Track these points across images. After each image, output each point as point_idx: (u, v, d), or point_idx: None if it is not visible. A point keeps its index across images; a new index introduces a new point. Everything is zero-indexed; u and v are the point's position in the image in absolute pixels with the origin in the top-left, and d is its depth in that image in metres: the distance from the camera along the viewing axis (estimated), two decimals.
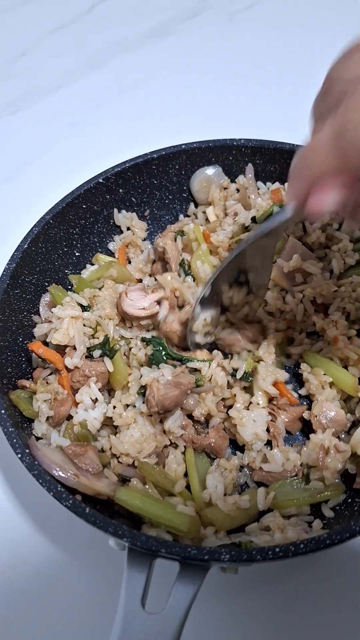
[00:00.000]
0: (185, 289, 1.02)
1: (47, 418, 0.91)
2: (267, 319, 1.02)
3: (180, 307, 1.03)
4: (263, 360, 0.97)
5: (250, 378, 0.95)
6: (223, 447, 0.93)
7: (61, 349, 0.97)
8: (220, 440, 0.92)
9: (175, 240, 1.09)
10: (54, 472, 0.81)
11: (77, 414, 0.92)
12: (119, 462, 0.90)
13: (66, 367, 0.94)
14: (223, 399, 0.97)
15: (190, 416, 0.95)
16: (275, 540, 0.78)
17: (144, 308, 1.00)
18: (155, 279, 1.08)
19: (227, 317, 1.00)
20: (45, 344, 1.00)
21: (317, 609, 0.84)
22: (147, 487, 0.85)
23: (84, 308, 1.01)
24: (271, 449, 0.91)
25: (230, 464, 0.91)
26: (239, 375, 0.95)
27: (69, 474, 0.82)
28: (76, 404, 0.93)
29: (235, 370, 0.96)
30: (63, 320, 0.96)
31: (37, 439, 0.90)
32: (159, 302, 1.02)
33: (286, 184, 1.13)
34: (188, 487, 0.89)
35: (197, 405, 0.94)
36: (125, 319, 1.02)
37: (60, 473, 0.81)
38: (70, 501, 0.75)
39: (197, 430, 0.95)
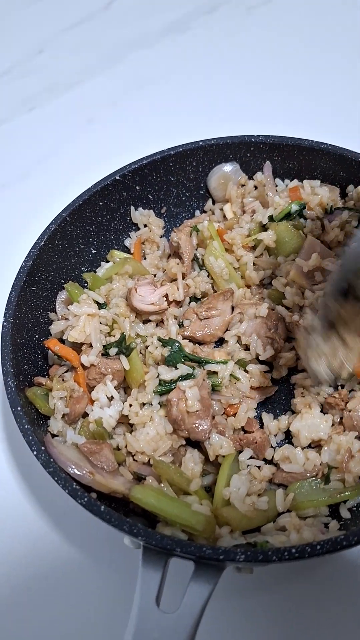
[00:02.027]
0: (191, 280, 1.04)
1: (63, 415, 0.91)
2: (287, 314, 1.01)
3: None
4: None
5: None
6: (266, 447, 0.92)
7: (77, 347, 0.97)
8: (265, 441, 0.92)
9: (191, 235, 1.08)
10: (70, 469, 0.81)
11: (92, 411, 0.92)
12: (134, 460, 0.89)
13: (82, 365, 0.94)
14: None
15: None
16: (291, 540, 0.77)
17: (152, 303, 1.01)
18: (164, 271, 1.09)
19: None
20: (62, 341, 1.01)
21: (331, 609, 0.83)
22: (162, 485, 0.85)
23: (100, 306, 1.01)
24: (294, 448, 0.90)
25: (261, 474, 0.89)
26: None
27: (84, 472, 0.82)
28: (92, 401, 0.93)
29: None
30: (80, 317, 0.96)
31: (53, 436, 0.90)
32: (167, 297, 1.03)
33: (305, 181, 1.11)
34: (206, 488, 0.89)
35: (220, 410, 0.93)
36: (136, 313, 1.02)
37: (75, 470, 0.81)
38: (86, 499, 0.75)
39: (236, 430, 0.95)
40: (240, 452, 0.91)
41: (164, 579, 0.72)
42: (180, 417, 0.88)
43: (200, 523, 0.78)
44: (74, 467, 0.82)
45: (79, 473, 0.81)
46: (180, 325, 1.04)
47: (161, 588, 0.70)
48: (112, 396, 0.93)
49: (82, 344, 0.96)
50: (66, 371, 0.98)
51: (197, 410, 0.88)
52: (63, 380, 0.96)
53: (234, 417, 0.94)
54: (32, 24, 1.86)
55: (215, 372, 0.94)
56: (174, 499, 0.82)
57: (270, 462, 0.92)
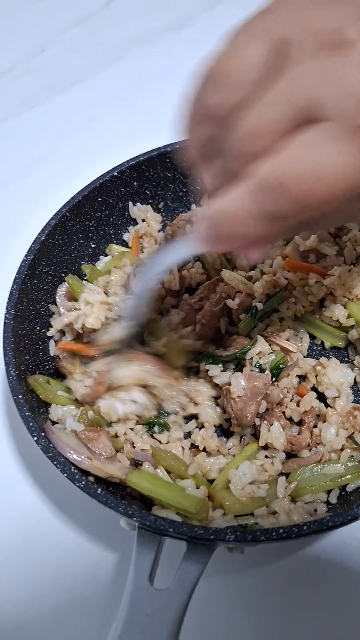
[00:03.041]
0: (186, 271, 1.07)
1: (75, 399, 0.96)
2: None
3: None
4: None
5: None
6: (305, 447, 0.90)
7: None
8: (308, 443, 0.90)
9: (185, 228, 1.11)
10: (68, 454, 0.84)
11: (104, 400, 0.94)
12: (132, 446, 0.93)
13: None
14: None
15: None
16: (280, 522, 0.80)
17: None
18: None
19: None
20: (62, 333, 1.05)
21: (321, 586, 0.86)
22: (157, 470, 0.88)
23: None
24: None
25: (273, 468, 0.88)
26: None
27: (82, 457, 0.85)
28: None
29: None
30: (93, 305, 1.00)
31: (53, 423, 0.93)
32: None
33: None
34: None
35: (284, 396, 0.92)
36: None
37: (74, 456, 0.84)
38: (83, 482, 0.78)
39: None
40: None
41: (158, 558, 0.75)
42: (229, 405, 0.90)
43: (193, 505, 0.80)
44: (72, 452, 0.85)
45: (77, 458, 0.84)
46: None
47: (154, 567, 0.74)
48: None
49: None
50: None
51: (240, 396, 0.89)
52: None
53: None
54: (34, 23, 1.89)
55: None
56: (169, 483, 0.85)
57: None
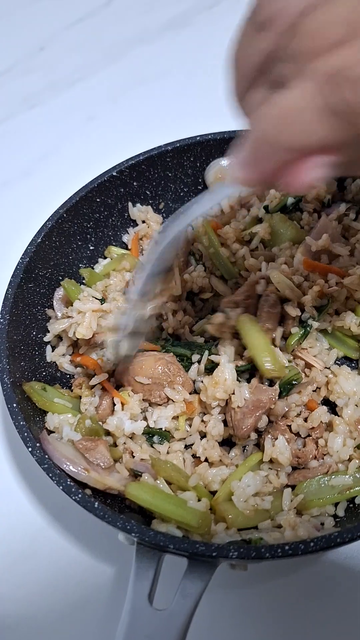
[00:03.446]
0: (188, 275, 1.03)
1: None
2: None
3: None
4: None
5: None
6: (311, 459, 0.87)
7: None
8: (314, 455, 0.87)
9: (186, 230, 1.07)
10: (64, 466, 0.81)
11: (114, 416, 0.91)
12: (132, 456, 0.89)
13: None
14: None
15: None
16: (285, 537, 0.76)
17: None
18: None
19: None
20: (59, 339, 1.03)
21: (328, 604, 0.82)
22: (158, 482, 0.84)
23: (99, 301, 1.01)
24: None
25: (278, 480, 0.84)
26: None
27: (79, 468, 0.81)
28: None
29: None
30: (85, 314, 0.96)
31: (50, 432, 0.90)
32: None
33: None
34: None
35: (289, 409, 0.88)
36: None
37: (70, 467, 0.81)
38: (80, 495, 0.75)
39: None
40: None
41: (157, 575, 0.71)
42: (228, 414, 0.87)
43: (195, 519, 0.77)
44: (69, 463, 0.81)
45: (74, 470, 0.81)
46: None
47: (154, 585, 0.70)
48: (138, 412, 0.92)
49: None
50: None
51: (240, 407, 0.86)
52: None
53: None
54: (33, 22, 1.86)
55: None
56: (170, 496, 0.82)
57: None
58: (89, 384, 0.95)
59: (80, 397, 0.96)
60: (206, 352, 0.93)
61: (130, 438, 0.91)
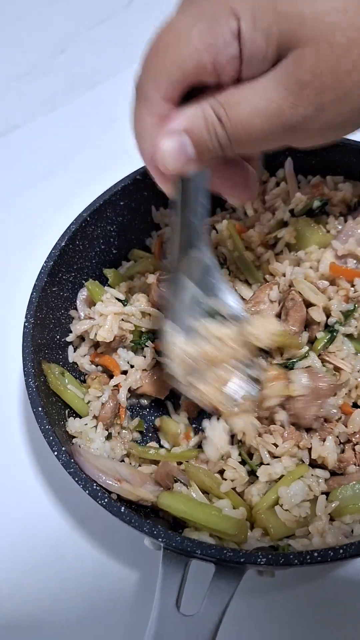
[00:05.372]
0: None
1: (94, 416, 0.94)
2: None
3: None
4: None
5: None
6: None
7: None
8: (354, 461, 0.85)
9: (210, 234, 1.07)
10: (98, 478, 0.80)
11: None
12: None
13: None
14: None
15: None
16: (313, 544, 0.75)
17: None
18: None
19: None
20: (82, 339, 1.03)
21: (357, 608, 0.82)
22: (190, 490, 0.83)
23: (122, 302, 1.02)
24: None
25: (319, 489, 0.82)
26: None
27: (111, 480, 0.81)
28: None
29: None
30: (107, 317, 0.96)
31: (71, 437, 0.90)
32: None
33: (328, 177, 1.09)
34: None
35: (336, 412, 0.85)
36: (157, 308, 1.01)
37: (102, 478, 0.81)
38: (106, 500, 0.75)
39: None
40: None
41: (184, 581, 0.71)
42: (291, 403, 0.85)
43: (232, 527, 0.76)
44: (101, 474, 0.81)
45: (107, 481, 0.81)
46: None
47: (181, 590, 0.70)
48: None
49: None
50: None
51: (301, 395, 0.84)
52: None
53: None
54: (53, 24, 1.87)
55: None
56: (204, 504, 0.81)
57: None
58: (110, 383, 0.97)
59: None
60: None
61: None
